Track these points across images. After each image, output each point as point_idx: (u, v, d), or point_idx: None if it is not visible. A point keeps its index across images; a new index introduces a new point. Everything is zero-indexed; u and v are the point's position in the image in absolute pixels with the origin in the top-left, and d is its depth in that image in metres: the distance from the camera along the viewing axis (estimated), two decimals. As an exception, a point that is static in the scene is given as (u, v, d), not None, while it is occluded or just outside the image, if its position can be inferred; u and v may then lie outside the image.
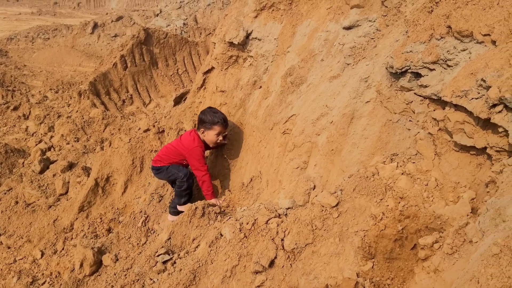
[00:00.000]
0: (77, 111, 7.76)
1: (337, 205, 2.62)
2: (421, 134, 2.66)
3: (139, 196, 4.53)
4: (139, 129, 5.10)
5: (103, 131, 7.34)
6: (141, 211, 4.21)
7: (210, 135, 4.06)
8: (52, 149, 6.59)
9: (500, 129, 2.11)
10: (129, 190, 4.64)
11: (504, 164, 1.95)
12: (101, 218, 4.49)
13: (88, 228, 4.40)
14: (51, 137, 7.10)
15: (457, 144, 2.42)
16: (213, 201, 3.87)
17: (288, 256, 2.63)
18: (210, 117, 4.01)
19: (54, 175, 5.24)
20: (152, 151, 4.79)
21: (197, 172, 4.01)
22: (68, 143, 6.75)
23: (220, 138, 4.11)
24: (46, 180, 5.18)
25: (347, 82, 3.21)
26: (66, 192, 5.01)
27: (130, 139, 4.81)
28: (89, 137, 7.04)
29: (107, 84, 8.67)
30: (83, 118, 7.45)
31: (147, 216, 4.17)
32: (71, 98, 8.81)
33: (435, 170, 2.51)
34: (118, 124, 7.47)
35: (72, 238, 4.38)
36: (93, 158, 5.75)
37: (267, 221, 2.89)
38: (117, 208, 4.56)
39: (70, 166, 5.43)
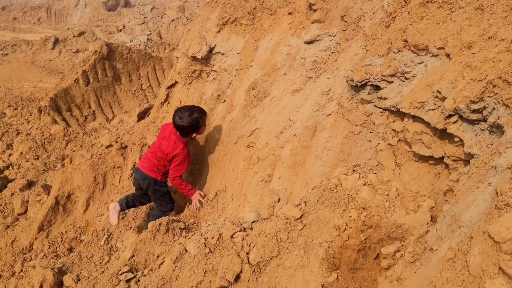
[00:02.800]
0: (37, 128, 7.54)
1: (301, 217, 2.63)
2: (381, 145, 2.71)
3: (102, 213, 4.43)
4: (102, 145, 5.00)
5: (65, 148, 7.15)
6: (103, 229, 4.11)
7: (202, 130, 4.05)
8: (10, 167, 6.36)
9: (456, 139, 2.18)
10: (91, 207, 4.52)
11: (460, 173, 2.01)
12: (62, 237, 4.35)
13: (48, 248, 4.25)
14: (10, 155, 6.87)
15: (416, 154, 2.48)
16: (196, 195, 3.97)
17: (254, 270, 2.61)
18: (193, 120, 3.87)
19: (12, 194, 5.06)
20: (114, 167, 4.71)
21: (173, 175, 4.01)
22: (27, 161, 6.53)
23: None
24: (4, 200, 5.00)
25: (309, 95, 3.25)
26: (25, 212, 4.84)
27: (92, 156, 4.71)
28: (49, 155, 6.85)
29: (68, 100, 8.48)
30: (44, 135, 7.24)
31: (110, 233, 4.07)
32: (30, 115, 8.56)
33: (396, 180, 2.56)
34: (80, 140, 7.30)
35: (31, 259, 4.22)
36: (54, 175, 5.59)
37: (232, 235, 2.87)
38: (79, 227, 4.44)
39: (30, 184, 5.26)
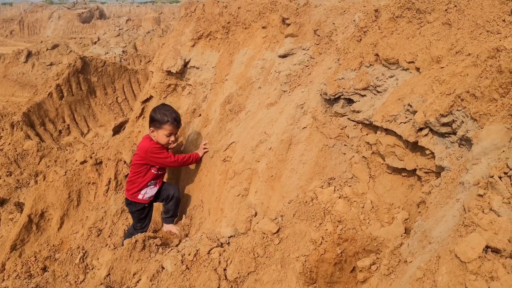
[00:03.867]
0: (9, 143, 7.39)
1: (278, 231, 2.63)
2: (356, 157, 2.74)
3: (77, 231, 4.35)
4: (76, 161, 4.93)
5: (38, 164, 7.01)
6: (78, 247, 4.03)
7: (160, 136, 3.72)
8: (-19, 185, 6.21)
9: (428, 152, 2.22)
10: (65, 225, 4.44)
11: (432, 185, 2.04)
12: (35, 257, 4.26)
13: (22, 268, 4.15)
14: (-19, 172, 6.70)
15: (390, 167, 2.51)
16: (200, 150, 3.91)
17: (231, 286, 2.59)
18: (160, 115, 3.68)
19: (-17, 213, 4.94)
20: (89, 183, 4.64)
21: (170, 165, 3.84)
22: (-1, 178, 6.39)
23: (172, 138, 3.77)
24: (-26, 218, 4.87)
25: (284, 108, 3.27)
26: (-3, 230, 4.72)
27: (66, 172, 4.63)
28: (22, 171, 6.70)
29: (42, 114, 8.35)
30: (16, 151, 7.09)
31: (85, 251, 3.99)
32: (3, 130, 8.37)
33: (370, 193, 2.59)
34: (55, 155, 7.17)
35: (3, 280, 4.11)
36: (27, 193, 5.48)
37: (209, 251, 2.85)
38: (53, 245, 4.35)
39: (2, 202, 5.14)
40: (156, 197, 3.96)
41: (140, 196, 3.83)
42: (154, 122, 3.70)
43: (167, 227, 3.92)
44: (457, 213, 1.41)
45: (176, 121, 3.72)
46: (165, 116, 3.66)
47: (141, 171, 3.76)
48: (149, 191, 3.86)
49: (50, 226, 4.47)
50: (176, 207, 3.97)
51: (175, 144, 3.96)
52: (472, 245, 1.16)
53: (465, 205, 1.36)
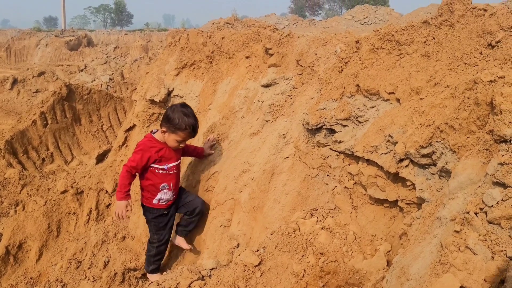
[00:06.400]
0: (-10, 171, 7.25)
1: (259, 263, 2.58)
2: (338, 188, 2.72)
3: (55, 262, 4.23)
4: (57, 190, 4.84)
5: (20, 193, 6.86)
6: (57, 280, 3.92)
7: (171, 140, 3.33)
8: (-41, 215, 6.05)
9: (409, 183, 2.21)
10: (44, 257, 4.32)
11: (413, 217, 2.02)
12: (12, 290, 4.12)
13: (-3, 302, 4.02)
14: (-40, 201, 6.55)
15: (372, 197, 2.49)
16: (124, 202, 3.25)
17: (212, 320, 2.52)
18: (178, 120, 3.25)
19: (-41, 244, 4.79)
20: (70, 213, 4.54)
21: (122, 168, 3.37)
22: (-22, 207, 6.24)
23: (182, 145, 3.41)
24: (-50, 250, 4.72)
25: (267, 138, 3.26)
26: (-27, 263, 4.58)
27: (46, 202, 4.54)
28: (3, 200, 6.55)
29: (25, 142, 8.23)
30: (-3, 179, 6.96)
31: (64, 284, 3.88)
32: (-16, 158, 8.24)
33: (353, 224, 2.56)
34: (37, 184, 7.04)
35: (-22, 315, 3.97)
36: (6, 223, 5.34)
37: (190, 284, 2.78)
38: (31, 278, 4.22)
39: (-21, 233, 5.00)
40: (178, 206, 3.61)
41: (155, 201, 3.48)
42: (169, 125, 3.30)
43: (180, 240, 3.59)
44: (435, 249, 1.38)
45: (194, 131, 3.35)
46: (184, 123, 3.25)
47: (147, 174, 3.43)
48: (164, 196, 3.47)
49: (28, 257, 4.34)
50: (197, 222, 3.61)
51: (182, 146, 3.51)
52: (447, 286, 1.14)
53: (442, 241, 1.34)
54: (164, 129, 3.33)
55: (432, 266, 1.30)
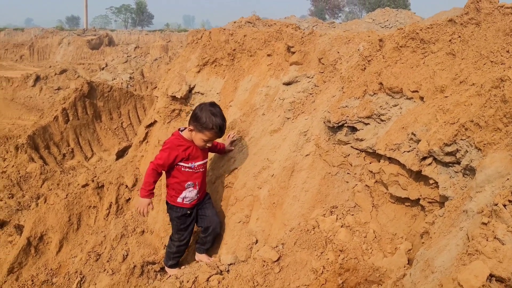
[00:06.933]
0: (13, 165, 7.39)
1: (278, 259, 2.58)
2: (358, 186, 2.71)
3: (75, 255, 4.29)
4: (78, 184, 4.91)
5: (41, 187, 6.99)
6: (76, 271, 3.97)
7: (198, 139, 3.30)
8: (-18, 207, 6.18)
9: (431, 181, 2.19)
10: (64, 249, 4.38)
11: (436, 215, 2.00)
12: (32, 280, 4.18)
13: (18, 292, 4.08)
14: (-17, 193, 6.69)
15: (393, 196, 2.48)
16: (146, 201, 3.25)
17: (229, 314, 2.53)
18: (205, 118, 3.22)
19: (-18, 234, 4.89)
20: (90, 207, 4.60)
21: (149, 166, 3.34)
22: (1, 200, 6.36)
23: (209, 144, 3.39)
24: (-27, 240, 4.82)
25: (287, 135, 3.26)
26: (-5, 253, 4.67)
27: (67, 195, 4.60)
28: (24, 193, 6.68)
29: (47, 137, 8.38)
30: (19, 173, 7.09)
31: (83, 276, 3.93)
32: (7, 152, 8.40)
33: (373, 222, 2.55)
34: (57, 179, 7.16)
35: (-1, 304, 4.05)
36: (27, 215, 5.44)
37: (208, 278, 2.80)
38: (51, 269, 4.28)
39: (2, 224, 5.10)
40: (198, 213, 3.57)
41: (179, 200, 3.44)
42: (196, 124, 3.27)
43: (200, 257, 3.52)
44: (461, 242, 1.37)
45: (221, 131, 3.32)
46: (211, 122, 3.22)
47: (174, 171, 3.41)
48: (189, 194, 3.43)
49: (48, 249, 4.41)
50: (213, 241, 3.56)
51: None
52: (476, 273, 1.13)
53: (468, 234, 1.33)
54: (191, 127, 3.32)
55: (458, 258, 1.29)
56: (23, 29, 43.07)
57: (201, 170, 3.45)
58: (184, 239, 3.56)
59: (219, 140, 3.74)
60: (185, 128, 3.44)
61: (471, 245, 1.24)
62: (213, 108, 3.31)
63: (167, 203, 3.56)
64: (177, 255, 3.60)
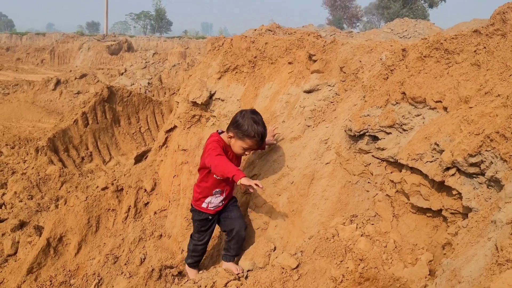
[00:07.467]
0: (33, 167, 7.52)
1: (297, 267, 2.58)
2: (379, 195, 2.70)
3: (93, 257, 4.34)
4: (97, 187, 4.97)
5: (59, 189, 7.10)
6: (94, 273, 4.02)
7: (237, 146, 3.24)
8: (3, 207, 6.28)
9: (454, 192, 2.17)
10: (82, 250, 4.44)
11: (459, 226, 1.99)
12: (51, 281, 4.24)
13: (36, 292, 4.14)
14: (3, 194, 6.80)
15: (414, 206, 2.46)
16: (243, 181, 2.84)
17: (247, 321, 2.54)
18: (247, 126, 3.14)
19: (3, 235, 4.97)
20: (109, 210, 4.65)
21: (210, 162, 3.13)
22: (21, 201, 6.46)
23: (247, 153, 3.35)
24: (-7, 240, 4.91)
25: (307, 143, 3.27)
26: (15, 253, 4.74)
27: (86, 197, 4.67)
28: (43, 195, 6.78)
29: (66, 140, 8.50)
30: (39, 175, 7.20)
31: (101, 278, 3.97)
32: (27, 154, 8.55)
33: (394, 232, 2.54)
34: (76, 181, 7.26)
35: (17, 303, 4.10)
36: (47, 216, 5.52)
37: (226, 284, 2.81)
38: (69, 270, 4.34)
39: (21, 225, 5.18)
40: (221, 216, 3.51)
41: (204, 205, 3.40)
42: (237, 131, 3.19)
43: (227, 265, 3.27)
44: (489, 252, 1.36)
45: (262, 140, 3.24)
46: (253, 130, 3.14)
47: (204, 175, 3.36)
48: (214, 200, 3.39)
49: (67, 251, 4.47)
50: (239, 247, 3.40)
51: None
52: (509, 282, 1.12)
53: (497, 244, 1.32)
54: (231, 134, 3.24)
55: (488, 268, 1.28)
56: (45, 34, 43.87)
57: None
58: (203, 239, 3.55)
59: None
60: (222, 131, 3.40)
61: (502, 255, 1.24)
62: (255, 116, 3.23)
63: (191, 205, 3.55)
64: (195, 254, 3.60)
